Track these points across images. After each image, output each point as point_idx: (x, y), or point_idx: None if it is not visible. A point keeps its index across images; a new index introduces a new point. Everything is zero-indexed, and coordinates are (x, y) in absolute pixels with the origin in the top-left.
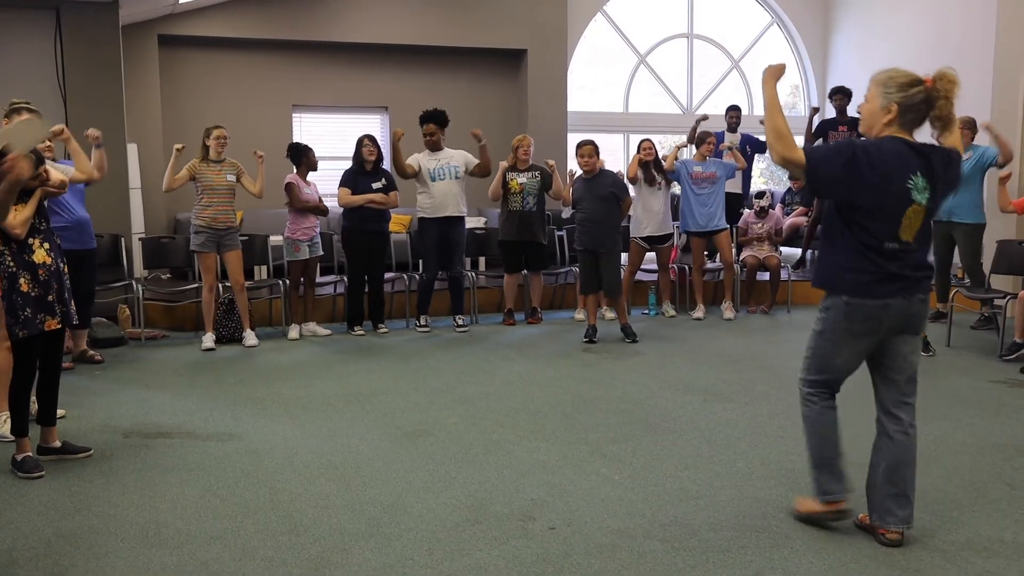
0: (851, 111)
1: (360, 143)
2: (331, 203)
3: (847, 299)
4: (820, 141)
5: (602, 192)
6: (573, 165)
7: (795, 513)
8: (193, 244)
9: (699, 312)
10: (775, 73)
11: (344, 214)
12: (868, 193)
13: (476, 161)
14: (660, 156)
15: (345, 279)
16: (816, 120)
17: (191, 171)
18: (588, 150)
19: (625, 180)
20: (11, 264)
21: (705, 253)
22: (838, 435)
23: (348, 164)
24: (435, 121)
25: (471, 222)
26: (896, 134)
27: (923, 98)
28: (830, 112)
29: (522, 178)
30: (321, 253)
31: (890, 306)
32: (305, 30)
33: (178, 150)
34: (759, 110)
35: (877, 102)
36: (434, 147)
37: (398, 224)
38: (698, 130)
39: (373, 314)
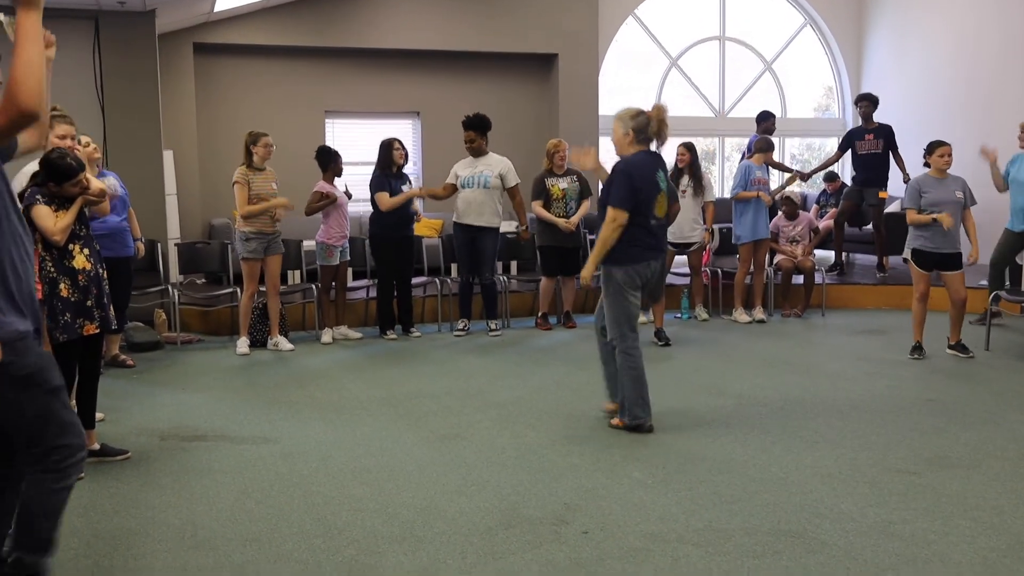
0: (878, 117)
1: (391, 145)
2: (355, 207)
3: (626, 266)
4: (849, 152)
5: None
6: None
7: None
8: (244, 251)
9: (742, 315)
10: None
11: (372, 220)
12: (640, 191)
13: (515, 180)
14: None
15: (375, 283)
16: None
17: (245, 180)
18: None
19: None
20: (51, 270)
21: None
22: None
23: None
24: (473, 128)
25: (505, 226)
26: (640, 148)
27: (646, 121)
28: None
29: (563, 183)
30: (348, 258)
31: (651, 265)
32: (337, 37)
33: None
34: (792, 112)
35: (620, 131)
36: (476, 154)
37: (429, 228)
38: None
39: (403, 318)
